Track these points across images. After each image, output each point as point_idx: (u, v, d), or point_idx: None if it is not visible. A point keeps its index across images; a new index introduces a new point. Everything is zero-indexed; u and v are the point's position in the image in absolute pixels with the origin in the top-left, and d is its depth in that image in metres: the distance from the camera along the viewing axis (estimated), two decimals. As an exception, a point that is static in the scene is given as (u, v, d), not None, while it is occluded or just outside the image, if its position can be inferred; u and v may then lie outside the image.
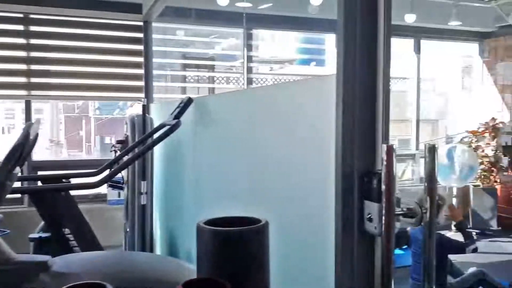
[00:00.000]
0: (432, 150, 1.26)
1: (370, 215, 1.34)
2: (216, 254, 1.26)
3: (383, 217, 1.25)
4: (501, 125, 6.62)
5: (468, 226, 6.60)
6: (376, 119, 1.39)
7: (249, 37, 5.96)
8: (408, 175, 7.11)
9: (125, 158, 3.18)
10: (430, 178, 1.27)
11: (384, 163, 1.25)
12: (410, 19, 5.74)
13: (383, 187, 1.24)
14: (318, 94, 1.61)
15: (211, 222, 1.32)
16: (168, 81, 6.31)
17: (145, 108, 3.85)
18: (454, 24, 6.03)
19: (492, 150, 6.52)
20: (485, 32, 6.97)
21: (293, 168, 1.76)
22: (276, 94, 2.00)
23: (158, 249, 3.99)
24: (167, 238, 3.73)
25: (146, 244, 3.68)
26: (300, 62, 8.55)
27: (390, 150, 1.24)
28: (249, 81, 6.07)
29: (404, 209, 1.29)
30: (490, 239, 6.28)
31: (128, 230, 3.76)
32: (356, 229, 1.33)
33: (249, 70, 6.04)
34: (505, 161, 6.49)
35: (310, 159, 1.66)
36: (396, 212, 1.27)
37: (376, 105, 1.37)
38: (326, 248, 1.42)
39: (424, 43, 6.95)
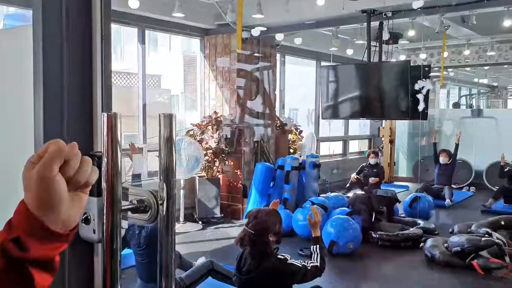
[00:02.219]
0: (169, 141, 0.92)
1: (86, 215, 0.94)
2: None
3: (104, 216, 0.87)
4: (222, 118, 7.04)
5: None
6: (93, 86, 1.03)
7: None
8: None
9: None
10: (168, 168, 0.94)
11: (105, 138, 0.87)
12: (134, 5, 5.43)
13: (103, 172, 0.86)
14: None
15: None
16: None
17: None
18: (177, 16, 6.04)
19: (215, 142, 6.86)
20: (207, 28, 7.29)
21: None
22: None
23: None
24: None
25: None
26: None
27: (111, 120, 0.87)
28: None
29: (135, 202, 0.93)
30: (215, 226, 6.62)
31: None
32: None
33: None
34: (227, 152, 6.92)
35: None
36: (123, 207, 0.91)
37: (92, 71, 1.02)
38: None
39: (149, 34, 6.80)
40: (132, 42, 7.02)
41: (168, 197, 0.93)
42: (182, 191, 6.57)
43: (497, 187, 8.59)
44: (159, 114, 0.93)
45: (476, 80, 15.08)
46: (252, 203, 6.71)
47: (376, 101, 6.57)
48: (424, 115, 6.17)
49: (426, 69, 6.23)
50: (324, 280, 2.90)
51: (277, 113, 8.05)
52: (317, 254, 2.94)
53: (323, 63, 9.09)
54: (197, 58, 7.74)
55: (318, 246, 2.97)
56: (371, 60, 6.61)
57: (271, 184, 6.88)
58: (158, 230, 0.94)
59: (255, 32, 6.73)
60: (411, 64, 6.65)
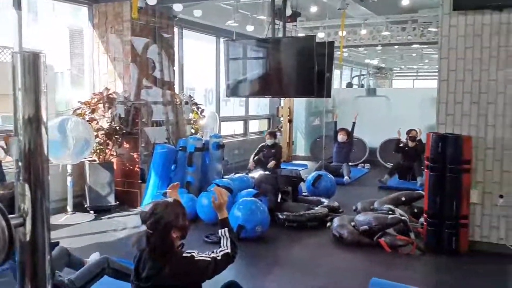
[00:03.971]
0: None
1: None
2: None
3: None
4: (115, 95, 6.36)
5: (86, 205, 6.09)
6: None
7: None
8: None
9: None
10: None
11: None
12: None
13: None
14: None
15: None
16: None
17: None
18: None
19: (107, 122, 6.18)
20: (95, -5, 6.50)
21: None
22: None
23: None
24: None
25: None
26: None
27: None
28: None
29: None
30: (109, 216, 5.99)
31: None
32: None
33: None
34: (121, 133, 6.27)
35: None
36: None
37: None
38: None
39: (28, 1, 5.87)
40: (7, 9, 6.01)
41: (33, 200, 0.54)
42: (69, 178, 5.83)
43: (390, 164, 8.96)
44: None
45: (367, 61, 15.75)
46: (151, 188, 6.19)
47: (280, 78, 6.34)
48: (328, 93, 6.09)
49: (331, 46, 6.13)
50: (232, 267, 2.57)
51: (176, 91, 7.51)
52: (227, 238, 2.58)
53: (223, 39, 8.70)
54: (85, 28, 6.89)
55: (226, 229, 2.60)
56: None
57: (173, 167, 6.40)
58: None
59: (151, 1, 6.10)
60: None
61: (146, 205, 5.88)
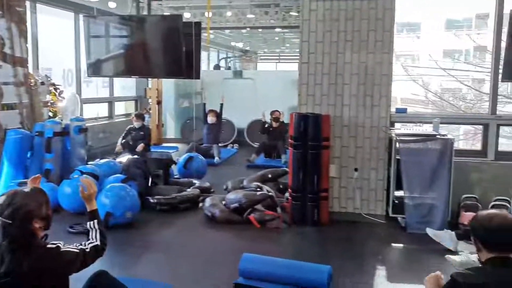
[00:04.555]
0: None
1: None
2: None
3: None
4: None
5: None
6: None
7: None
8: None
9: None
10: None
11: None
12: None
13: None
14: None
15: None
16: None
17: None
18: None
19: None
20: None
21: None
22: None
23: None
24: None
25: None
26: None
27: None
28: None
29: None
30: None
31: None
32: None
33: None
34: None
35: None
36: None
37: None
38: None
39: None
40: None
41: None
42: None
43: (257, 143, 9.29)
44: None
45: (233, 43, 16.01)
46: (4, 178, 5.59)
47: (147, 58, 6.12)
48: (197, 74, 6.06)
49: (198, 26, 6.08)
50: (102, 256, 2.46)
51: (31, 70, 6.82)
52: (96, 230, 2.47)
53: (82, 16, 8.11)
54: None
55: (96, 221, 2.49)
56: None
57: (28, 154, 5.84)
58: None
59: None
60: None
61: (-1, 197, 5.29)
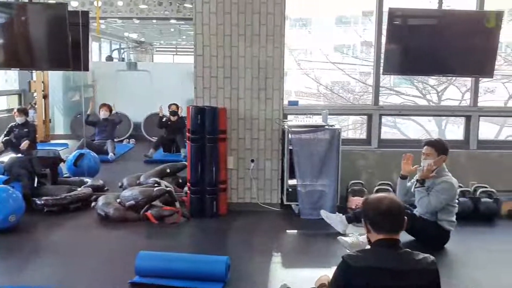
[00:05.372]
0: None
1: None
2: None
3: None
4: None
5: None
6: None
7: None
8: None
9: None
10: None
11: None
12: None
13: None
14: None
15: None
16: None
17: None
18: None
19: None
20: None
21: None
22: None
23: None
24: None
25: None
26: None
27: None
28: None
29: None
30: None
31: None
32: None
33: None
34: None
35: None
36: None
37: None
38: None
39: None
40: None
41: None
42: None
43: (155, 138, 9.07)
44: None
45: (126, 34, 15.44)
46: None
47: (29, 49, 5.66)
48: (86, 66, 5.75)
49: (85, 15, 5.76)
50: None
51: None
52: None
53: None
54: None
55: None
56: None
57: None
58: None
59: None
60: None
61: None
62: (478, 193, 5.28)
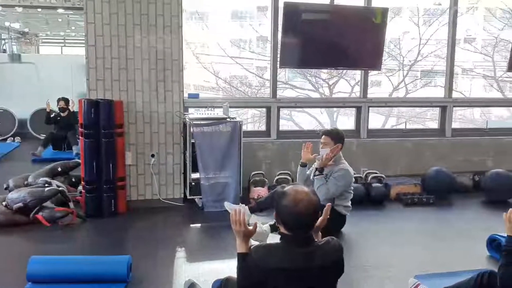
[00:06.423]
0: None
1: None
2: None
3: None
4: None
5: None
6: None
7: None
8: None
9: None
10: None
11: None
12: None
13: None
14: None
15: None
16: None
17: None
18: None
19: None
20: None
21: None
22: None
23: None
24: None
25: None
26: None
27: None
28: None
29: None
30: None
31: None
32: None
33: None
34: None
35: None
36: None
37: None
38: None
39: None
40: None
41: None
42: None
43: (43, 135, 8.45)
44: None
45: (7, 24, 14.18)
46: None
47: None
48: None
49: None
50: None
51: None
52: None
53: None
54: None
55: None
56: None
57: None
58: None
59: None
60: None
61: None
62: (369, 178, 5.64)
